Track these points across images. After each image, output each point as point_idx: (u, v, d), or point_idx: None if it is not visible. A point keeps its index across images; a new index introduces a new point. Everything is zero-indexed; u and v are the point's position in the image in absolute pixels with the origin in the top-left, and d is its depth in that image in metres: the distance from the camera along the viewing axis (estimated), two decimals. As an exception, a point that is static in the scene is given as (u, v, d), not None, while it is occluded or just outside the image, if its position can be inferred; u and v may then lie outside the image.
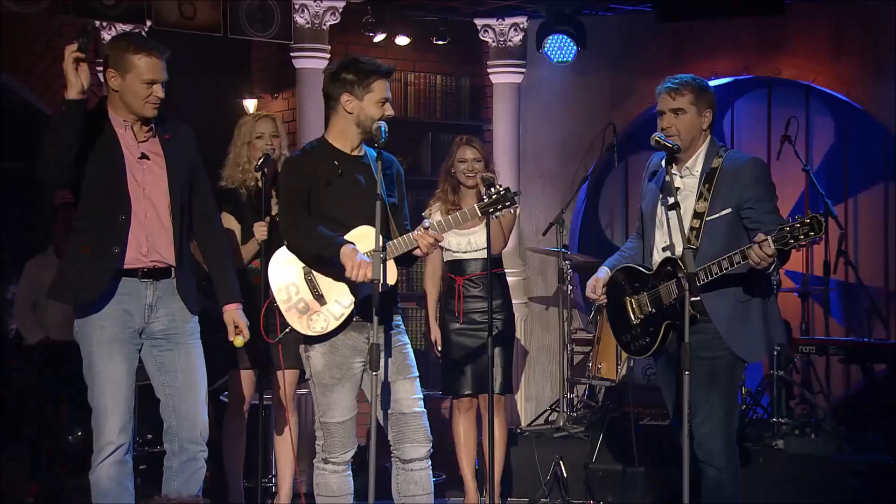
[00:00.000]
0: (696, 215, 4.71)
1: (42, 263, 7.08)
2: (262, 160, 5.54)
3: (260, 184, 5.56)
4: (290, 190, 4.69)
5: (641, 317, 4.85)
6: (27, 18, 7.48)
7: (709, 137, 4.83)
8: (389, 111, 4.60)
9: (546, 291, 8.60)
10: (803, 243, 4.40)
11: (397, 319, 4.74)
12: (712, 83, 8.56)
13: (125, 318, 4.49)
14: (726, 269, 4.54)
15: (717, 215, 4.70)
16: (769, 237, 4.39)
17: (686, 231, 4.61)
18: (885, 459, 6.58)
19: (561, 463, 6.76)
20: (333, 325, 4.56)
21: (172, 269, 4.54)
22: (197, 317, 4.64)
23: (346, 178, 4.56)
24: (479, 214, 4.65)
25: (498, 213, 4.69)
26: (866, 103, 8.04)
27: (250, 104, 8.82)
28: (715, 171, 4.73)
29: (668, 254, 4.75)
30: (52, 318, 6.95)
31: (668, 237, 4.76)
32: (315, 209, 4.59)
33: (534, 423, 7.87)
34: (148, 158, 4.52)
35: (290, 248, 4.65)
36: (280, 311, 4.64)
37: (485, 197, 4.67)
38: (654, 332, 4.79)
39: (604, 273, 4.98)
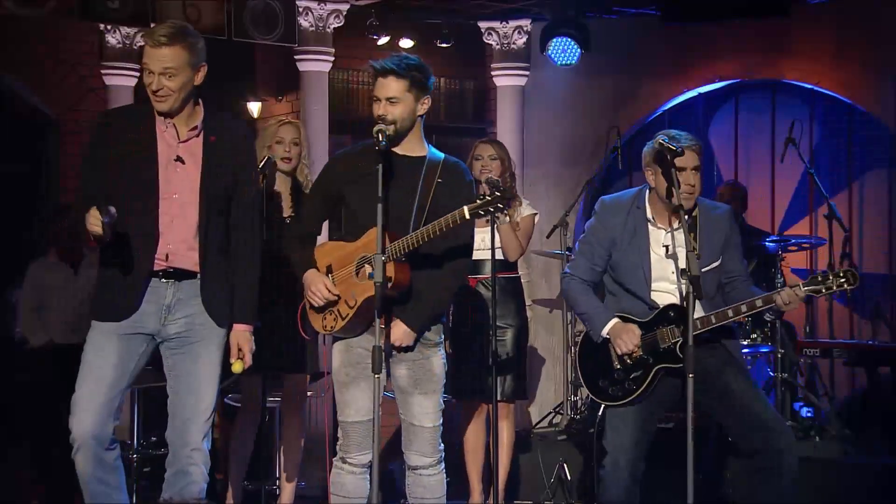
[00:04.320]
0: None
1: (44, 266, 7.09)
2: (263, 162, 5.50)
3: (262, 186, 5.52)
4: (312, 191, 4.79)
5: (629, 362, 4.79)
6: (31, 20, 7.49)
7: None
8: (379, 109, 4.47)
9: (550, 294, 8.59)
10: (834, 292, 4.56)
11: (426, 335, 4.59)
12: (716, 86, 8.65)
13: (135, 318, 4.29)
14: (744, 312, 4.63)
15: (710, 267, 4.73)
16: (800, 283, 4.54)
17: (685, 285, 4.60)
18: (889, 462, 6.57)
19: (565, 466, 6.76)
20: (340, 324, 4.53)
21: (197, 274, 4.34)
22: (223, 329, 4.39)
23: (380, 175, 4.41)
24: (467, 216, 4.36)
25: (490, 216, 4.51)
26: (870, 106, 8.05)
27: (254, 107, 8.84)
28: (695, 221, 4.75)
29: (671, 297, 4.73)
30: (56, 321, 6.96)
31: (673, 265, 4.70)
32: (347, 204, 4.55)
33: (538, 426, 7.86)
34: (183, 162, 4.30)
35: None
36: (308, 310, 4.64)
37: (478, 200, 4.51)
38: (640, 377, 4.76)
39: (615, 320, 4.82)
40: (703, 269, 4.62)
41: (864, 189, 8.48)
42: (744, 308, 4.62)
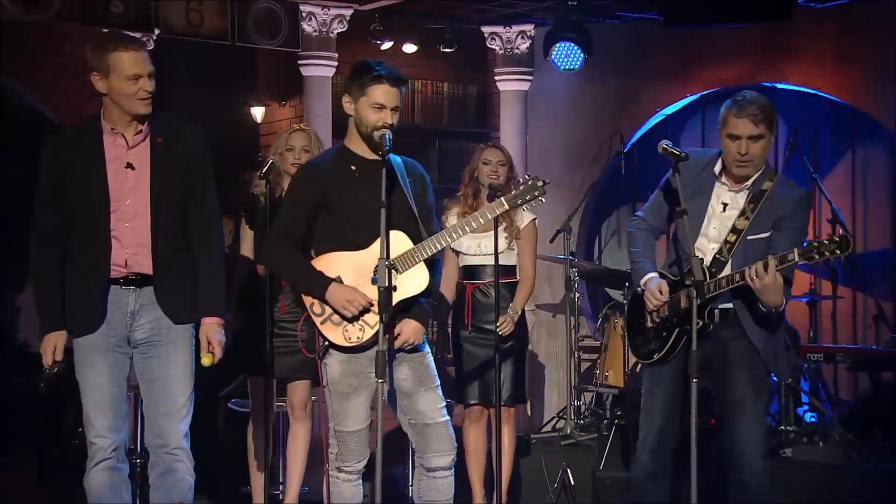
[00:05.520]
0: (734, 230, 4.68)
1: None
2: (266, 168, 5.47)
3: (265, 191, 5.49)
4: (291, 202, 4.65)
5: (658, 321, 4.81)
6: (35, 25, 7.49)
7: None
8: (387, 118, 4.45)
9: (553, 299, 8.59)
10: (827, 258, 4.47)
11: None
12: (718, 90, 8.64)
13: (107, 331, 4.36)
14: (738, 282, 4.53)
15: (757, 236, 4.67)
16: (776, 256, 4.45)
17: (720, 243, 4.63)
18: (892, 467, 6.56)
19: (568, 470, 6.75)
20: (369, 333, 4.47)
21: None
22: (191, 325, 4.46)
23: (364, 181, 4.45)
24: (507, 206, 4.49)
25: (528, 205, 4.63)
26: (872, 110, 8.04)
27: (258, 112, 8.84)
28: (763, 194, 4.69)
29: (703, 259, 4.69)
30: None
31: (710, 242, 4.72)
32: (334, 213, 4.50)
33: (541, 431, 7.85)
34: (133, 168, 4.35)
35: (268, 262, 4.70)
36: (317, 327, 4.52)
37: (500, 196, 4.53)
38: (665, 337, 4.77)
39: (656, 278, 4.81)
40: (749, 237, 4.64)
41: (866, 193, 8.48)
42: (737, 277, 4.54)
